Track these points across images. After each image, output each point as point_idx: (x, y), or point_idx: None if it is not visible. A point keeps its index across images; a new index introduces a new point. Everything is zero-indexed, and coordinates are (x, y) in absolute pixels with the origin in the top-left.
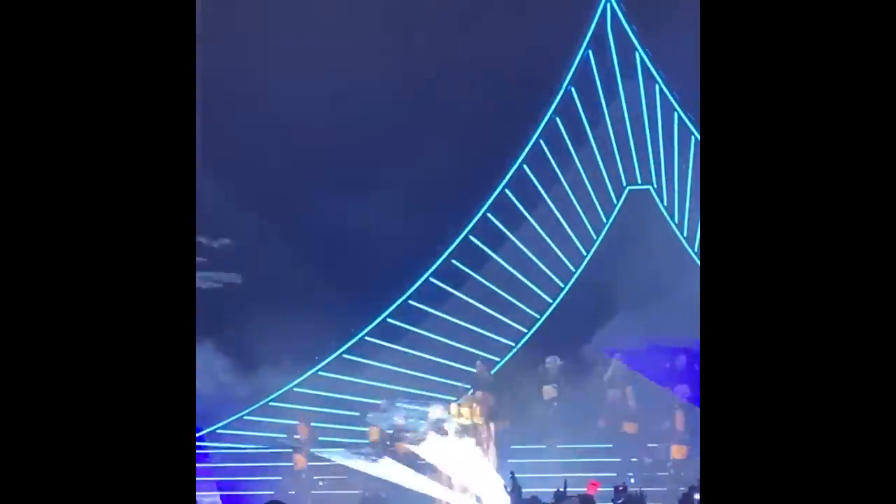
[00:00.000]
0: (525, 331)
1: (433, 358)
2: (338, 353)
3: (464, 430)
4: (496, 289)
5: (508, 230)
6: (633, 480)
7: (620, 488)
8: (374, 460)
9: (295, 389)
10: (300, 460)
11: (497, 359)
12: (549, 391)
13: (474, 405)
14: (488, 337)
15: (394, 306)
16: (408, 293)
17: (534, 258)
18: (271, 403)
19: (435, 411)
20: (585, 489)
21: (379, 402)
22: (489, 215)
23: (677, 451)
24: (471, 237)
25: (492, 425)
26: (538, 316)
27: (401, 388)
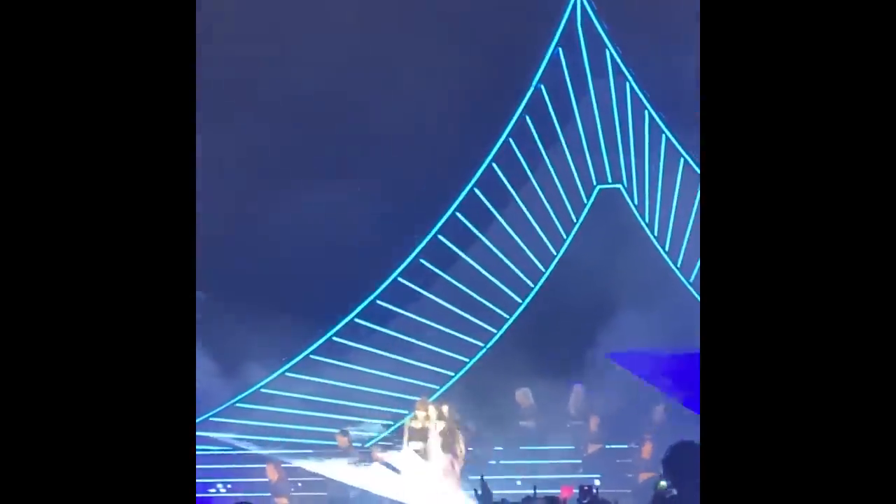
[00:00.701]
0: (494, 331)
1: (401, 359)
2: (305, 353)
3: (432, 432)
4: (466, 288)
5: (478, 230)
6: (598, 483)
7: (586, 488)
8: (345, 464)
9: (262, 391)
10: (273, 472)
11: (466, 359)
12: (522, 396)
13: (443, 407)
14: (457, 337)
15: (362, 306)
16: (376, 293)
17: (503, 258)
18: (238, 405)
19: (403, 414)
20: (559, 492)
21: (351, 404)
22: (458, 215)
23: (646, 451)
24: (440, 237)
25: (461, 426)
26: (507, 316)
27: (370, 390)
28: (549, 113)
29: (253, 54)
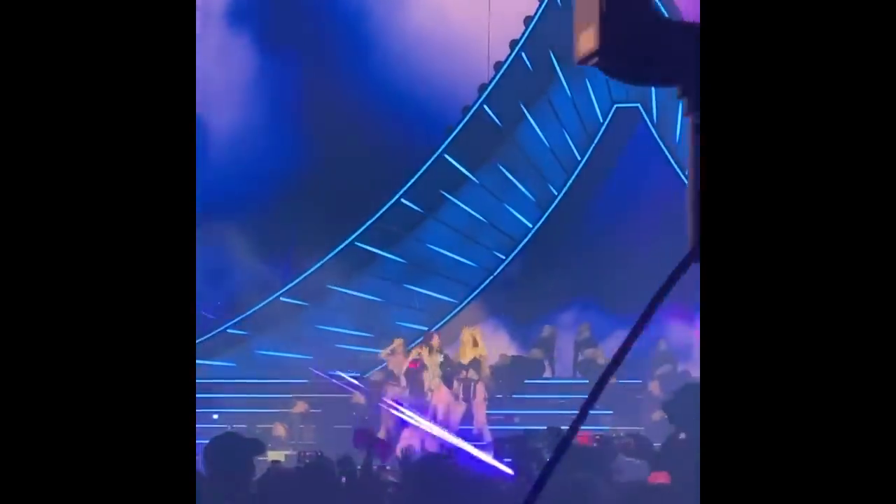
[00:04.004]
0: (503, 257)
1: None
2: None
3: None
4: (475, 212)
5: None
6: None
7: None
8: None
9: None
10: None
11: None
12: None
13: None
14: (465, 264)
15: (364, 226)
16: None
17: (514, 181)
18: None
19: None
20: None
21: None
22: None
23: (655, 387)
24: (446, 156)
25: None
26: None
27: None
28: (566, 26)
29: None
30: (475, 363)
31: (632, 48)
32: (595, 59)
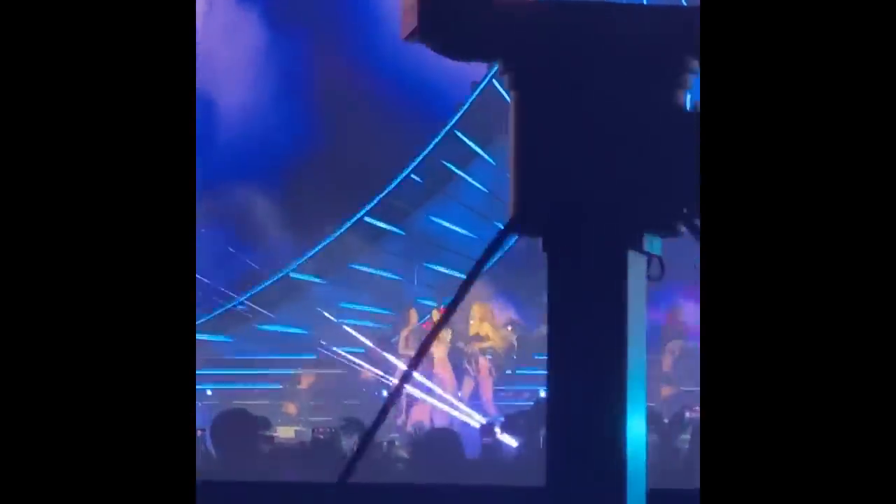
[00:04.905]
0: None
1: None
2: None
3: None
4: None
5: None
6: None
7: None
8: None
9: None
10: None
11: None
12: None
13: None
14: (468, 237)
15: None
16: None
17: None
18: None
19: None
20: None
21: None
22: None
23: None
24: (457, 132)
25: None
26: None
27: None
28: None
29: None
30: (482, 338)
31: (451, 25)
32: (417, 36)
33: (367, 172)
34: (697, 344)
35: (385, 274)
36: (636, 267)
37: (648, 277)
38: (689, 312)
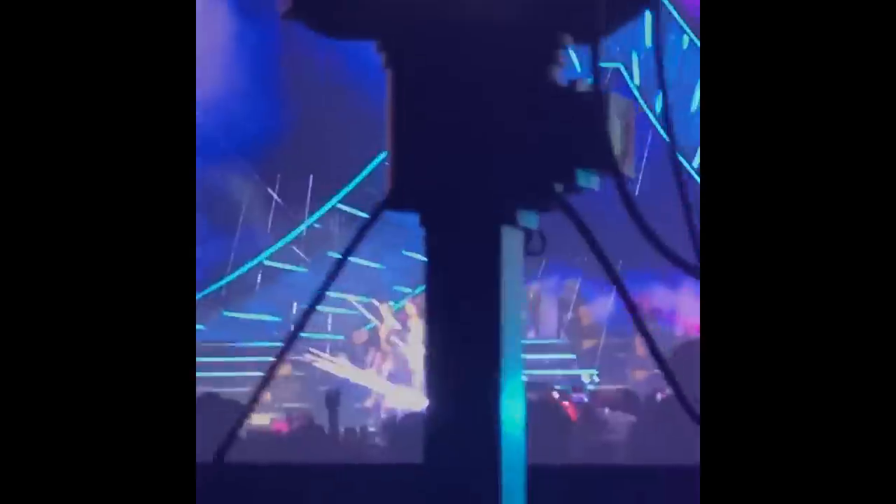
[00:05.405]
0: None
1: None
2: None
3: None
4: None
5: None
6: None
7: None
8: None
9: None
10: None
11: None
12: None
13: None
14: None
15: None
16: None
17: None
18: None
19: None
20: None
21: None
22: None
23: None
24: None
25: None
26: None
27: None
28: None
29: None
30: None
31: (326, 3)
32: (293, 16)
33: (341, 161)
34: (670, 328)
35: (361, 261)
36: (511, 241)
37: (528, 252)
38: (661, 297)
